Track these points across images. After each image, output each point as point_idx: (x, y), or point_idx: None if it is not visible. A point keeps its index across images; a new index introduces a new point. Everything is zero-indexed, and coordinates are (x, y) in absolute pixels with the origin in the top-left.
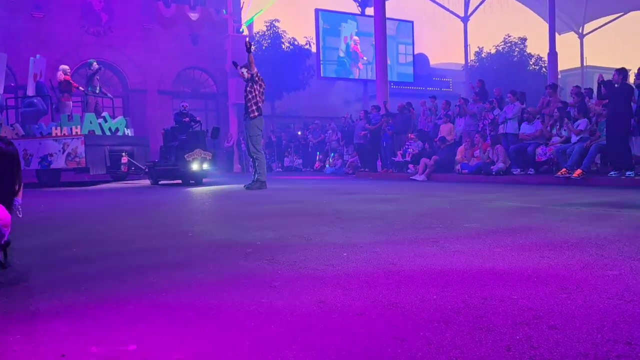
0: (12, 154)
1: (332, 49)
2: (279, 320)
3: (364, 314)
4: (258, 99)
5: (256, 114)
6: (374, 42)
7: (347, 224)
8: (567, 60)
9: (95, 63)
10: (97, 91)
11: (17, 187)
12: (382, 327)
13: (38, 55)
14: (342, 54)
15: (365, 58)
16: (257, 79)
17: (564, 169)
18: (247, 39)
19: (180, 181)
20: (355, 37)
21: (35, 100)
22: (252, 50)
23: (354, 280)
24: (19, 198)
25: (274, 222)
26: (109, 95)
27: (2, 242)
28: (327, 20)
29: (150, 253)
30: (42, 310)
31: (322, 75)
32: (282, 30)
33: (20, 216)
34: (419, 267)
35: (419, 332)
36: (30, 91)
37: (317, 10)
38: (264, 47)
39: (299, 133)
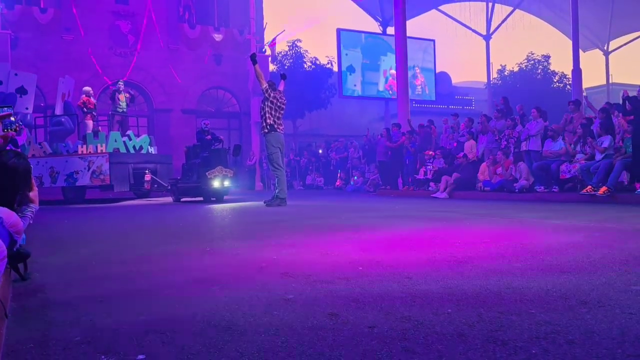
0: (16, 166)
1: (371, 84)
2: (290, 332)
3: (376, 326)
4: (267, 115)
5: (266, 130)
6: (415, 75)
7: (365, 239)
8: (592, 78)
9: (121, 82)
10: (123, 109)
11: (25, 196)
12: (393, 340)
13: (66, 76)
14: (381, 88)
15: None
16: (266, 95)
17: (589, 187)
18: (255, 52)
19: (201, 198)
20: (393, 71)
21: (62, 120)
22: (257, 62)
23: (368, 293)
24: (36, 205)
25: (291, 237)
26: (132, 93)
27: (15, 250)
28: (367, 55)
29: (168, 268)
30: (56, 321)
31: (343, 94)
32: (304, 50)
33: (31, 222)
34: (435, 282)
35: (431, 345)
36: (59, 110)
37: (338, 30)
38: (286, 67)
39: (320, 151)
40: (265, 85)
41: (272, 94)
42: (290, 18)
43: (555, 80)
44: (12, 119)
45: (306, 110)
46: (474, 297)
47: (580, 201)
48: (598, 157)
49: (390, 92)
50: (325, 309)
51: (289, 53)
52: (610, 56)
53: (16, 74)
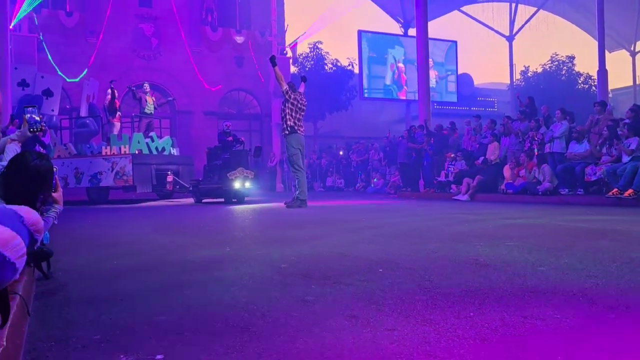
0: (38, 168)
1: (378, 77)
2: (308, 333)
3: (396, 329)
4: (288, 116)
5: (287, 132)
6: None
7: (385, 241)
8: (619, 79)
9: (146, 84)
10: (151, 111)
11: (48, 197)
12: (414, 344)
13: (90, 78)
14: (388, 82)
15: (407, 87)
16: (287, 97)
17: (616, 189)
18: (274, 54)
19: (223, 199)
20: (401, 65)
21: (87, 121)
22: (276, 64)
23: (388, 295)
24: (60, 205)
25: (311, 239)
26: (171, 98)
27: (35, 248)
28: (373, 48)
29: (187, 268)
30: (76, 319)
31: (364, 95)
32: (325, 52)
33: (56, 223)
34: (457, 284)
35: (453, 350)
36: (83, 112)
37: (360, 32)
38: (307, 69)
39: (341, 153)
40: (285, 87)
41: (292, 96)
42: (312, 19)
43: (580, 82)
44: (37, 118)
45: (327, 112)
46: (497, 300)
47: (606, 204)
48: (625, 159)
49: (398, 86)
50: (344, 310)
51: (310, 55)
52: (637, 56)
53: (42, 77)
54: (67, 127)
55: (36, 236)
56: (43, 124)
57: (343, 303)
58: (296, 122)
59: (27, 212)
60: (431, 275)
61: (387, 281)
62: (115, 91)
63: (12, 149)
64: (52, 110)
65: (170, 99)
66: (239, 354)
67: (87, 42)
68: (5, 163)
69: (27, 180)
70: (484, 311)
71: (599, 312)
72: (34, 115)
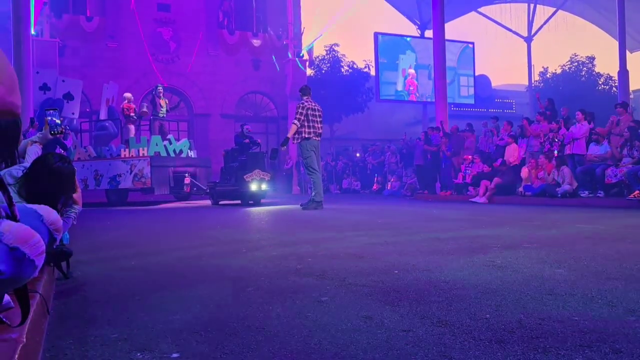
0: (60, 170)
1: (389, 83)
2: (324, 334)
3: (411, 330)
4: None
5: (298, 141)
6: (432, 75)
7: (401, 243)
8: None
9: (160, 87)
10: (163, 113)
11: (69, 199)
12: (429, 345)
13: (110, 82)
14: (400, 88)
15: (418, 94)
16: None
17: (637, 192)
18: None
19: (239, 201)
20: (412, 71)
21: (107, 124)
22: None
23: (403, 297)
24: (79, 206)
25: (327, 240)
26: (179, 101)
27: (54, 247)
28: (384, 53)
29: (203, 268)
30: (94, 318)
31: (380, 98)
32: (342, 54)
33: (75, 223)
34: (473, 286)
35: (468, 351)
36: (103, 115)
37: (376, 34)
38: (323, 71)
39: (358, 155)
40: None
41: (307, 106)
42: (328, 21)
43: (600, 82)
44: (58, 121)
45: (343, 115)
46: (513, 302)
47: (627, 207)
48: None
49: (409, 92)
50: (359, 311)
51: (326, 58)
52: None
53: (63, 81)
54: (87, 130)
55: (55, 235)
56: (64, 126)
57: (358, 304)
58: (304, 132)
59: (47, 212)
60: (447, 276)
61: (402, 282)
62: (132, 98)
63: (34, 151)
64: (73, 114)
65: (179, 101)
66: (254, 353)
67: (107, 46)
68: (27, 164)
69: (49, 182)
70: (500, 313)
71: (619, 315)
72: (54, 118)
